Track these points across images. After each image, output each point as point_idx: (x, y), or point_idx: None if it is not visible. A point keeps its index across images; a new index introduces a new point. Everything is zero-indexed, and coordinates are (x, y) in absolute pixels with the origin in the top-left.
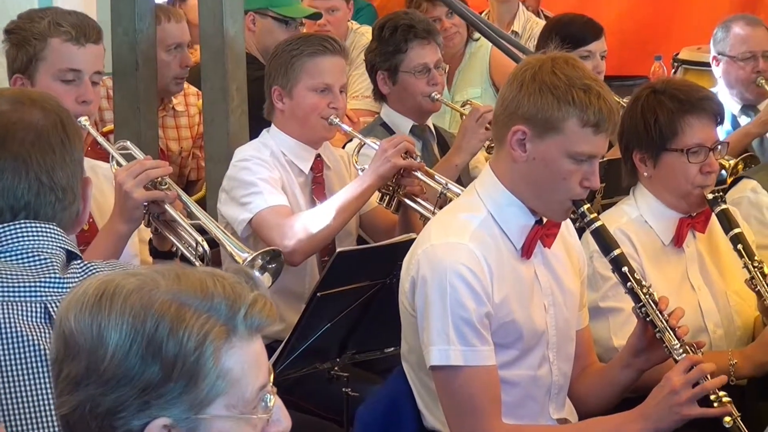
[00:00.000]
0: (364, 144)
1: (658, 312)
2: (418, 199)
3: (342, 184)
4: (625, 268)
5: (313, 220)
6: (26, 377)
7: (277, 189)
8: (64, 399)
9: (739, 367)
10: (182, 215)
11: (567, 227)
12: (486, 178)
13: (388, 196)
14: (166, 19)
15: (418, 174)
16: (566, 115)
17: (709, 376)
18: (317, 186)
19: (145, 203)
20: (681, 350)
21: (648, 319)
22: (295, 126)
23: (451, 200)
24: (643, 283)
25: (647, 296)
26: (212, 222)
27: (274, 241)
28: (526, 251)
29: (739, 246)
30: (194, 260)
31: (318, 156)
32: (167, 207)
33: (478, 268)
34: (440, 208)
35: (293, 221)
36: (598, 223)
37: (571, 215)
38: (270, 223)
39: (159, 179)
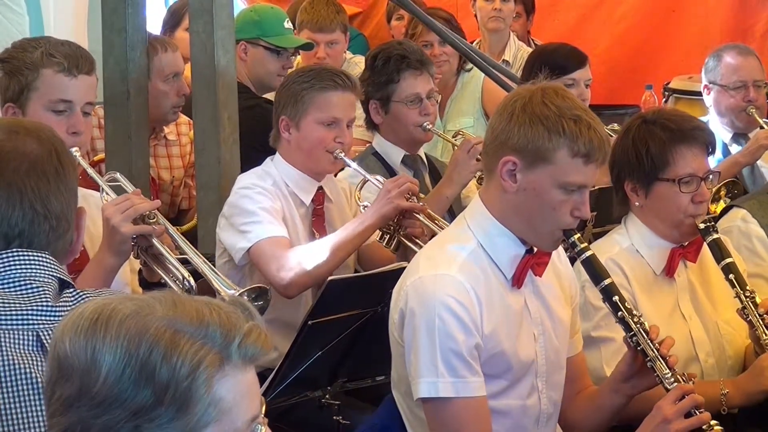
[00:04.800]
0: (368, 181)
1: (649, 341)
2: (418, 241)
3: (342, 216)
4: (615, 298)
5: (311, 255)
6: (18, 406)
7: (278, 219)
8: (56, 420)
9: (730, 397)
10: (170, 249)
11: (558, 255)
12: (476, 209)
13: (388, 236)
14: (163, 49)
15: (420, 216)
16: (556, 145)
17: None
18: (317, 218)
19: (134, 237)
20: (672, 379)
21: (639, 348)
22: (300, 157)
23: None
24: (634, 312)
25: (638, 325)
26: (199, 257)
27: (271, 272)
28: (517, 281)
29: (731, 275)
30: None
31: (320, 188)
32: (154, 241)
33: (466, 300)
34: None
35: (292, 254)
36: (588, 253)
37: (562, 245)
38: (268, 253)
39: (147, 213)
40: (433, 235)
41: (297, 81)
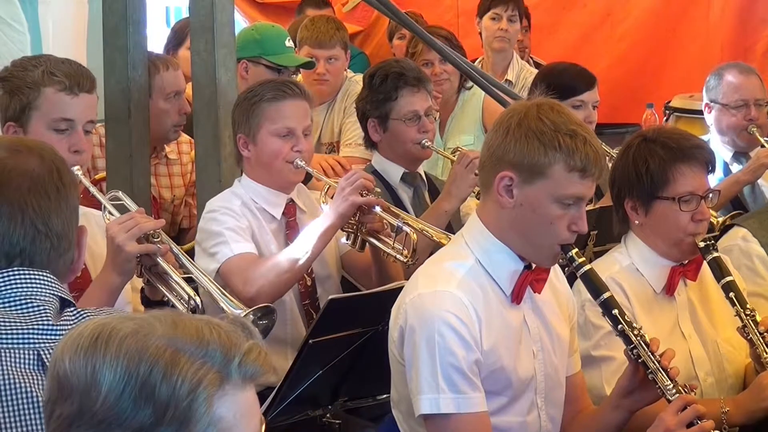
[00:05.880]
0: (331, 186)
1: (650, 353)
2: (381, 236)
3: None
4: (615, 311)
5: (275, 265)
6: (18, 424)
7: (244, 237)
8: None
9: (731, 415)
10: (174, 267)
11: (556, 273)
12: (473, 226)
13: (352, 235)
14: (164, 68)
15: (378, 210)
16: (552, 160)
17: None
18: (291, 231)
19: (137, 255)
20: (674, 390)
21: (640, 360)
22: (263, 172)
23: (407, 234)
24: (634, 324)
25: (638, 338)
26: (204, 276)
27: (238, 287)
28: (516, 297)
29: (731, 294)
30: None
31: (290, 201)
32: (159, 260)
33: (465, 316)
34: (400, 243)
35: (256, 267)
36: (586, 267)
37: (560, 260)
38: (234, 270)
39: (151, 232)
40: (394, 227)
41: (247, 97)
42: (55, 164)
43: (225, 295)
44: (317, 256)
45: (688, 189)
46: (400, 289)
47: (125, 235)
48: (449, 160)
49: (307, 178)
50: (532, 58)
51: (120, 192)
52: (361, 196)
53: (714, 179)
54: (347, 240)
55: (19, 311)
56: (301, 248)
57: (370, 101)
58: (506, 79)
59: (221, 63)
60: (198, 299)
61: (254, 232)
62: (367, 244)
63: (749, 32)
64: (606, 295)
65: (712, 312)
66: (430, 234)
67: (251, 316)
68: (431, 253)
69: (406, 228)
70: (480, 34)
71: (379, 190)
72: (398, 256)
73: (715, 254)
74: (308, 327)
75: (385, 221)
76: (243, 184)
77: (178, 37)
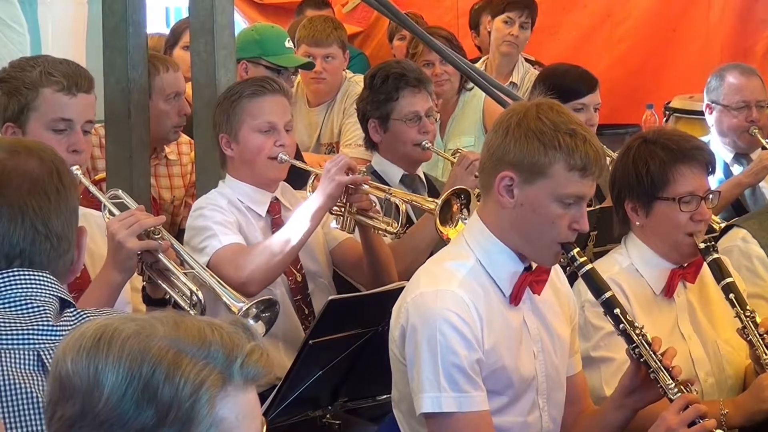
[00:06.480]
0: (317, 175)
1: (651, 352)
2: (371, 214)
3: None
4: (617, 310)
5: (266, 250)
6: (19, 426)
7: (232, 230)
8: None
9: (730, 416)
10: (176, 264)
11: (557, 274)
12: (474, 226)
13: (342, 217)
14: (164, 69)
15: (365, 187)
16: (553, 160)
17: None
18: (276, 228)
19: (138, 252)
20: (676, 389)
21: (641, 359)
22: (247, 170)
23: (396, 205)
24: (636, 324)
25: (640, 337)
26: (206, 271)
27: (229, 275)
28: (515, 298)
29: (731, 295)
30: (188, 308)
31: (275, 199)
32: (160, 256)
33: (467, 315)
34: (389, 215)
35: (247, 254)
36: (588, 267)
37: (561, 260)
38: (224, 260)
39: (152, 228)
40: (382, 201)
41: (227, 96)
42: (55, 165)
43: (226, 289)
44: (307, 239)
45: (688, 189)
46: (400, 289)
47: (126, 231)
48: (449, 161)
49: (307, 178)
50: (522, 55)
51: (120, 190)
52: (347, 175)
53: (714, 180)
54: (337, 224)
55: (19, 312)
56: (291, 232)
57: (371, 102)
58: (511, 82)
59: (221, 64)
60: (200, 294)
61: (242, 227)
62: (356, 226)
63: (749, 33)
64: (608, 294)
65: (712, 313)
66: (419, 203)
67: (254, 309)
68: (432, 253)
69: (394, 200)
70: (489, 33)
71: (364, 169)
72: (388, 228)
73: (716, 255)
74: (302, 322)
75: (372, 199)
76: (228, 184)
77: (174, 36)
